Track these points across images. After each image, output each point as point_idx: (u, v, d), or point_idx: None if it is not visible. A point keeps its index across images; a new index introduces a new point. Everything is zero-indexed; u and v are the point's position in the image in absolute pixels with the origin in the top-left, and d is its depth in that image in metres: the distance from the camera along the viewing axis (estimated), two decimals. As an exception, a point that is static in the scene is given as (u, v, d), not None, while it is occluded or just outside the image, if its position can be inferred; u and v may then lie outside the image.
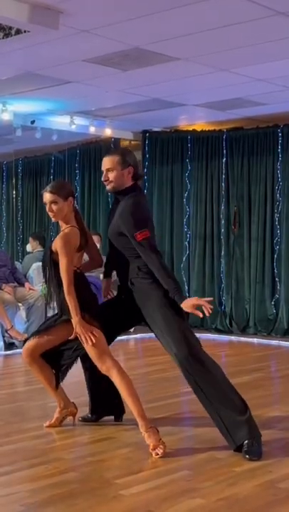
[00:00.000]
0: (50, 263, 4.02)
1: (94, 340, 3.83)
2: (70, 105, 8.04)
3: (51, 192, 4.01)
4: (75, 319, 3.83)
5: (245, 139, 8.73)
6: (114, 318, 4.14)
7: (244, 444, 3.68)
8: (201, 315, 3.75)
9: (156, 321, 3.88)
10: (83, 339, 3.84)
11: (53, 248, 3.98)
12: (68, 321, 3.93)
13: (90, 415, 4.38)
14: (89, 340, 3.83)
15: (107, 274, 4.44)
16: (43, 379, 4.20)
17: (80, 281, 3.97)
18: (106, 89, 7.08)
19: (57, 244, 3.95)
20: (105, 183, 4.07)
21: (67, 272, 3.87)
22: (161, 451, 3.68)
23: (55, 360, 4.16)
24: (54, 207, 3.99)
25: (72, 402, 4.32)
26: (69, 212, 4.04)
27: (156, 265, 3.85)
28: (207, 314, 3.71)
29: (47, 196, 4.02)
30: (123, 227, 3.90)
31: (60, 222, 4.07)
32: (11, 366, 6.69)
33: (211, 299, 4.03)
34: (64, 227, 4.03)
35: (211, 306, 3.70)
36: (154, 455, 3.68)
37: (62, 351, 4.14)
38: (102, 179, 4.08)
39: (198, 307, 3.73)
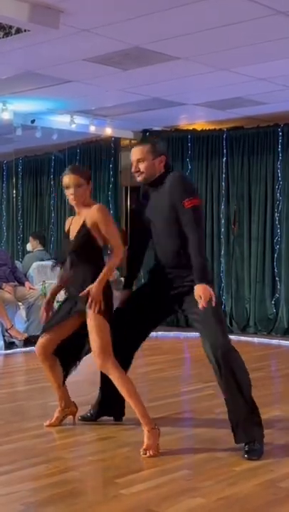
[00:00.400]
0: (79, 242, 3.94)
1: (101, 309, 3.80)
2: (71, 104, 8.04)
3: (74, 174, 3.98)
4: (100, 285, 3.81)
5: (246, 139, 8.73)
6: (143, 315, 4.06)
7: (248, 443, 3.67)
8: (202, 304, 3.68)
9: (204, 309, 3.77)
10: (93, 304, 3.81)
11: (89, 222, 3.91)
12: (82, 312, 3.89)
13: (89, 414, 4.37)
14: (96, 308, 3.79)
15: (128, 285, 4.28)
16: (52, 377, 4.19)
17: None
18: (106, 88, 7.07)
19: (97, 216, 3.89)
20: (136, 174, 3.96)
21: (118, 236, 3.87)
22: (151, 453, 3.68)
23: (64, 355, 4.14)
24: (78, 190, 3.96)
25: (73, 402, 4.32)
26: (88, 198, 4.02)
27: (196, 238, 3.75)
28: (203, 305, 3.67)
29: (69, 178, 3.98)
30: (173, 197, 3.78)
31: (78, 209, 4.04)
32: (11, 365, 6.69)
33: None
34: (87, 208, 3.97)
35: (213, 302, 3.68)
36: (142, 453, 3.69)
37: (71, 346, 4.11)
38: (133, 170, 3.97)
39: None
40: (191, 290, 3.79)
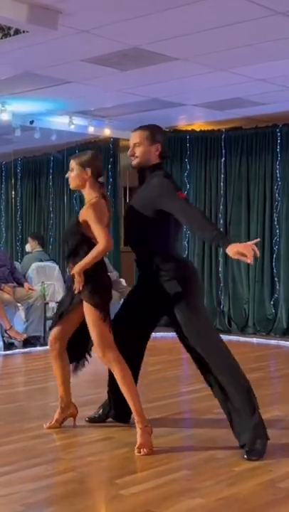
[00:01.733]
0: (75, 237, 3.97)
1: (80, 288, 3.85)
2: (69, 105, 8.04)
3: (72, 158, 4.10)
4: (81, 266, 3.85)
5: (244, 139, 8.74)
6: (141, 316, 4.05)
7: (248, 443, 3.68)
8: (248, 260, 3.47)
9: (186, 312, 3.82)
10: (76, 283, 3.86)
11: (81, 219, 3.95)
12: (80, 306, 3.94)
13: (97, 415, 4.34)
14: (79, 286, 3.84)
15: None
16: (61, 376, 4.17)
17: (100, 265, 3.97)
18: (105, 89, 7.08)
19: (85, 212, 3.93)
20: (131, 158, 3.99)
21: (104, 232, 3.84)
22: (146, 451, 3.69)
23: (73, 348, 4.16)
24: (71, 174, 4.04)
25: (73, 403, 4.30)
26: (88, 187, 4.02)
27: (199, 215, 3.71)
28: (251, 261, 3.46)
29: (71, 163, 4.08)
30: (160, 195, 3.79)
31: (83, 191, 4.07)
32: (10, 366, 6.69)
33: (258, 240, 3.89)
34: (90, 198, 4.00)
35: (258, 252, 3.49)
36: (136, 452, 3.70)
37: (78, 339, 4.11)
38: (128, 153, 4.02)
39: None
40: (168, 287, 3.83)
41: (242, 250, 3.47)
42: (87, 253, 3.91)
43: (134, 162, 4.00)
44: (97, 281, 3.93)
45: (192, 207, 3.87)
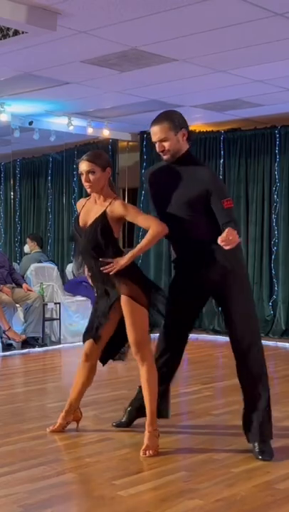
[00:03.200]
0: (96, 232, 3.80)
1: (116, 269, 3.74)
2: (68, 106, 8.05)
3: (88, 160, 3.83)
4: (131, 256, 3.75)
5: (243, 140, 8.74)
6: (184, 312, 3.98)
7: (258, 443, 3.69)
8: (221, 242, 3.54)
9: (240, 302, 3.78)
10: (113, 267, 3.75)
11: (111, 215, 3.79)
12: (118, 303, 3.82)
13: (123, 420, 4.26)
14: (114, 269, 3.74)
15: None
16: (81, 385, 4.11)
17: (134, 264, 3.87)
18: (104, 90, 7.08)
19: (119, 208, 3.78)
20: (162, 153, 3.84)
21: (153, 217, 3.77)
22: (151, 453, 3.70)
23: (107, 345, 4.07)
24: (91, 177, 3.82)
25: (79, 408, 4.25)
26: (106, 185, 3.88)
27: (236, 228, 3.66)
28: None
29: (83, 165, 3.83)
30: (209, 190, 3.69)
31: (95, 196, 3.90)
32: (9, 367, 6.68)
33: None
34: (107, 200, 3.85)
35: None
36: (141, 453, 3.70)
37: (114, 337, 4.03)
38: (158, 150, 3.84)
39: None
40: (223, 278, 3.76)
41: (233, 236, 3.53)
42: (115, 252, 3.82)
43: (167, 156, 3.83)
44: (133, 273, 3.83)
45: (234, 225, 3.71)
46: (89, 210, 3.95)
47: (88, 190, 3.91)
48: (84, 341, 4.07)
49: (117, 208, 3.81)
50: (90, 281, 4.09)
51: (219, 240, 3.55)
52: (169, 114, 3.90)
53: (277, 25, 4.93)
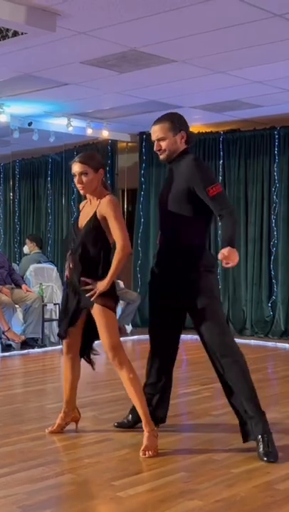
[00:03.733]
0: (88, 233, 3.83)
1: (97, 295, 3.77)
2: (67, 107, 8.05)
3: (81, 162, 3.84)
4: (110, 281, 3.77)
5: (242, 141, 8.75)
6: (169, 319, 4.00)
7: (261, 441, 3.69)
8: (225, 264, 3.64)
9: (207, 307, 3.80)
10: (95, 292, 3.78)
11: (99, 215, 3.80)
12: (89, 308, 3.87)
13: (126, 421, 4.26)
14: (96, 294, 3.77)
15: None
16: (69, 376, 4.14)
17: (108, 269, 3.88)
18: (103, 91, 7.09)
19: (107, 208, 3.78)
20: (158, 152, 3.90)
21: (124, 230, 3.77)
22: (151, 453, 3.70)
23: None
24: (84, 178, 3.83)
25: (76, 408, 4.25)
26: (99, 186, 3.89)
27: (232, 219, 3.71)
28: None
29: (76, 167, 3.84)
30: (191, 182, 3.72)
31: (90, 197, 3.91)
32: (8, 368, 6.68)
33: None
34: (98, 199, 3.85)
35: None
36: (141, 454, 3.70)
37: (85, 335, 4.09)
38: (155, 149, 3.91)
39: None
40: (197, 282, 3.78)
41: (233, 257, 3.60)
42: (99, 251, 3.83)
43: (163, 156, 3.90)
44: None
45: (223, 207, 3.75)
46: (86, 212, 3.97)
47: (81, 192, 3.93)
48: (60, 334, 4.14)
49: (103, 206, 3.83)
50: (67, 272, 4.09)
51: (220, 256, 3.60)
52: (171, 115, 3.96)
53: (276, 26, 4.93)
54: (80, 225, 3.96)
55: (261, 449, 3.66)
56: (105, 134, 9.19)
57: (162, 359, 4.09)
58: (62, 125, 8.74)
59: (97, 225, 3.83)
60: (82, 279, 3.85)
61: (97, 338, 3.99)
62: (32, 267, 8.46)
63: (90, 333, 4.04)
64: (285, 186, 8.42)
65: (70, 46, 5.46)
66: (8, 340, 7.37)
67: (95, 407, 4.81)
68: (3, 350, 7.27)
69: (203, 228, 3.90)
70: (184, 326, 4.11)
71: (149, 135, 9.63)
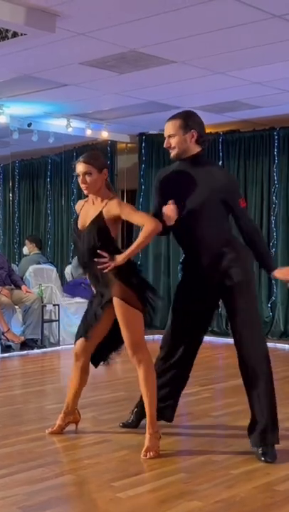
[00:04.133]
0: (93, 232, 3.81)
1: (112, 266, 3.73)
2: (67, 108, 8.05)
3: (85, 162, 3.83)
4: (126, 255, 3.75)
5: (242, 142, 8.75)
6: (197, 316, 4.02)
7: (264, 446, 3.69)
8: None
9: (250, 308, 3.81)
10: (108, 264, 3.74)
11: (108, 215, 3.79)
12: (110, 304, 3.79)
13: (130, 421, 4.28)
14: (109, 266, 3.73)
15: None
16: (76, 387, 4.10)
17: (133, 263, 3.89)
18: (103, 92, 7.09)
19: (120, 209, 3.78)
20: (168, 149, 3.91)
21: (148, 214, 3.84)
22: (152, 454, 3.70)
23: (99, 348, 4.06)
24: (88, 178, 3.82)
25: (77, 410, 4.24)
26: (103, 187, 3.88)
27: (259, 232, 3.94)
28: None
29: (80, 166, 3.84)
30: (228, 191, 3.79)
31: (93, 197, 3.90)
32: (8, 369, 6.68)
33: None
34: (103, 201, 3.84)
35: None
36: (142, 455, 3.70)
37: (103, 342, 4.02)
38: (165, 145, 3.91)
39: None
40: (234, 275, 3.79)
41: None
42: (113, 253, 3.79)
43: (173, 153, 3.89)
44: (128, 274, 3.81)
45: (249, 219, 3.98)
46: (87, 211, 3.94)
47: (85, 192, 3.91)
48: (75, 341, 4.07)
49: (112, 207, 3.81)
50: (88, 280, 4.08)
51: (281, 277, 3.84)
52: (185, 113, 4.00)
53: (275, 27, 4.93)
54: (82, 226, 3.93)
55: (260, 449, 3.67)
56: (105, 134, 9.19)
57: (181, 358, 4.10)
58: (61, 126, 8.74)
59: (104, 226, 3.81)
60: (97, 259, 3.78)
61: (116, 348, 4.01)
62: (31, 267, 8.46)
63: (111, 343, 4.00)
64: (284, 187, 8.42)
65: (70, 47, 5.46)
66: (8, 341, 7.37)
67: (94, 408, 4.81)
68: (3, 351, 7.27)
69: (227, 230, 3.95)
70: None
71: (148, 136, 9.68)
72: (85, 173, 3.83)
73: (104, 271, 3.76)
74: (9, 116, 8.19)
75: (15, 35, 5.00)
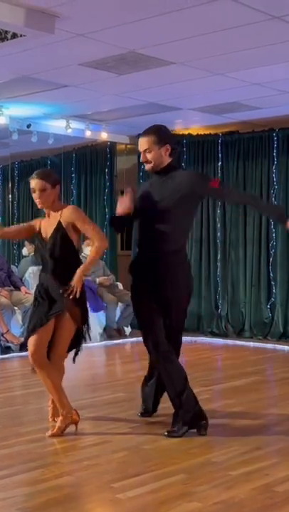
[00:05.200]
0: (56, 243, 4.06)
1: (77, 296, 3.96)
2: (66, 109, 8.05)
3: (39, 178, 4.11)
4: (83, 272, 3.98)
5: (241, 143, 8.75)
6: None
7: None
8: None
9: (180, 309, 4.21)
10: (74, 290, 3.96)
11: (65, 223, 4.04)
12: (59, 315, 4.04)
13: (144, 410, 4.53)
14: (72, 295, 3.95)
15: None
16: (51, 384, 4.17)
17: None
18: (102, 93, 7.09)
19: (74, 215, 4.05)
20: (145, 163, 4.16)
21: (99, 230, 4.11)
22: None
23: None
24: (42, 194, 4.09)
25: (75, 410, 4.24)
26: (56, 201, 4.14)
27: (249, 195, 4.17)
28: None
29: (34, 183, 4.11)
30: (192, 186, 4.02)
31: (47, 211, 4.16)
32: (7, 370, 6.68)
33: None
34: (58, 210, 4.10)
35: None
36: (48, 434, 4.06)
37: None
38: (141, 160, 4.18)
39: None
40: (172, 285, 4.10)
41: None
42: (69, 258, 4.06)
43: (149, 167, 4.17)
44: (81, 294, 4.04)
45: (229, 191, 4.34)
46: (46, 226, 4.19)
47: (39, 206, 4.19)
48: (26, 341, 4.27)
49: (67, 213, 4.08)
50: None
51: None
52: (157, 128, 4.22)
53: (275, 28, 4.94)
54: (44, 237, 4.17)
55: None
56: (104, 135, 9.20)
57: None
58: (61, 127, 8.74)
59: (64, 233, 4.06)
60: (62, 289, 4.02)
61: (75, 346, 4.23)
62: (31, 269, 8.45)
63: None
64: (283, 188, 8.42)
65: (69, 48, 5.46)
66: (7, 342, 7.37)
67: (94, 409, 4.81)
68: (3, 353, 7.27)
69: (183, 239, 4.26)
70: None
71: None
72: (40, 189, 4.11)
73: (70, 297, 3.99)
74: (9, 117, 8.20)
75: (14, 36, 5.00)
